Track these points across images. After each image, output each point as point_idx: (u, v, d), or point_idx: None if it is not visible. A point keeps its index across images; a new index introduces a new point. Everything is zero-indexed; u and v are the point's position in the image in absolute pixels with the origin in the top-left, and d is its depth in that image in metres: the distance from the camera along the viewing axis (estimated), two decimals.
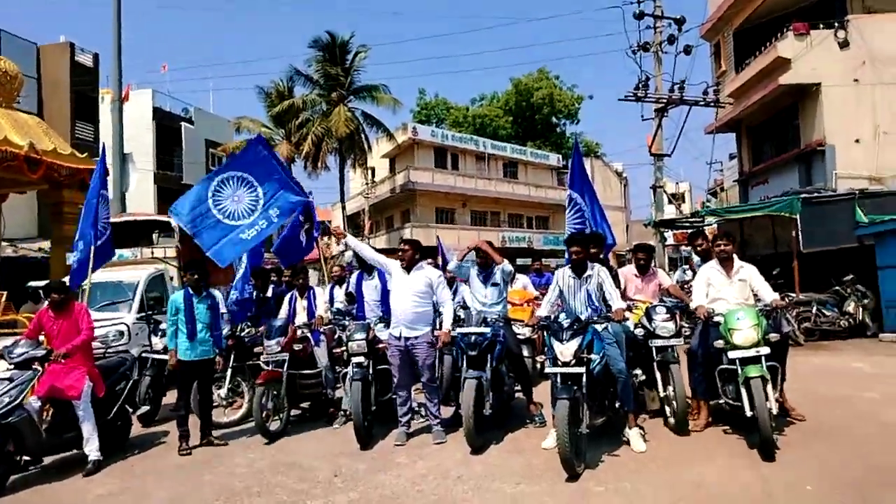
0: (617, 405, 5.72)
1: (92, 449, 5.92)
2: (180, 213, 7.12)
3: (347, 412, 6.96)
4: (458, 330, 6.12)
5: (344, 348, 6.73)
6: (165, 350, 7.59)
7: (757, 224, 15.54)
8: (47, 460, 6.07)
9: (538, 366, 8.17)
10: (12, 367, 5.76)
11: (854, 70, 15.88)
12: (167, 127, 34.07)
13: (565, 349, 5.21)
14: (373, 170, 38.12)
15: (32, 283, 13.46)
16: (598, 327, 5.60)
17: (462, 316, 6.36)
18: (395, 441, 6.12)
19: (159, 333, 7.78)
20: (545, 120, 47.31)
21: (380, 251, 7.36)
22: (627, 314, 6.14)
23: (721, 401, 5.74)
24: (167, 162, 33.83)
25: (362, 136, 32.86)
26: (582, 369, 5.17)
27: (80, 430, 5.93)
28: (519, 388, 6.74)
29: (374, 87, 32.76)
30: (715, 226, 16.25)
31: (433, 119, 47.77)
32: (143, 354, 7.60)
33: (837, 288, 12.33)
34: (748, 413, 5.10)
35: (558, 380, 5.27)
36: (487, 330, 6.00)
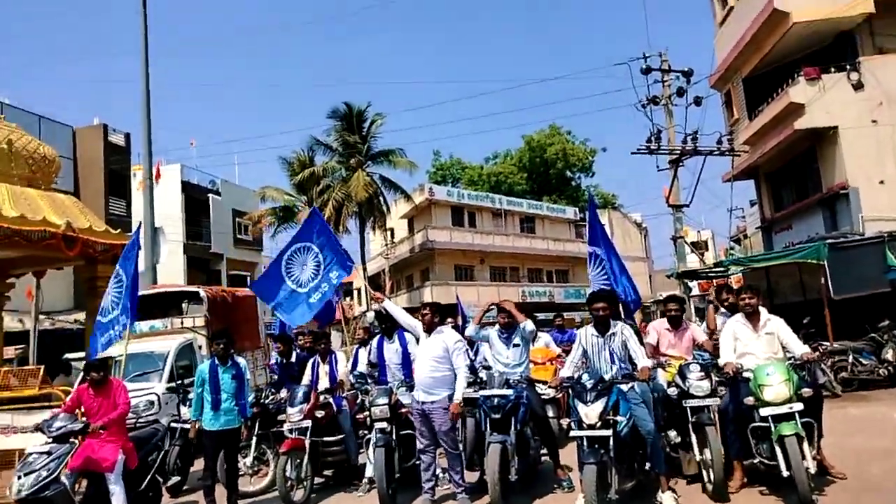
0: (647, 467, 5.59)
1: None
2: (260, 292, 8.26)
3: (371, 479, 6.91)
4: (481, 392, 6.08)
5: (367, 413, 6.73)
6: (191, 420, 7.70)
7: (783, 271, 15.34)
8: None
9: (564, 427, 8.03)
10: (50, 440, 5.85)
11: (871, 111, 15.90)
12: (195, 199, 35.06)
13: (590, 411, 5.15)
14: (392, 231, 38.62)
15: (69, 356, 13.75)
16: (624, 387, 5.52)
17: (484, 377, 6.30)
18: None
19: (188, 403, 7.83)
20: (559, 174, 47.81)
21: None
22: (660, 372, 6.07)
23: (755, 460, 5.53)
24: (196, 232, 34.66)
25: (381, 199, 33.51)
26: (608, 432, 5.09)
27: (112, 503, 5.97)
28: (545, 451, 6.62)
29: (391, 151, 33.58)
30: (740, 275, 16.07)
31: (449, 179, 48.52)
32: (173, 424, 7.63)
33: (873, 335, 11.96)
34: (784, 473, 4.94)
35: (584, 443, 5.18)
36: (510, 392, 5.95)
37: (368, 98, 56.69)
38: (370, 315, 26.15)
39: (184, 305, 13.49)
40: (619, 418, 5.23)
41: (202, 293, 11.38)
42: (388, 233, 36.37)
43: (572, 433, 5.33)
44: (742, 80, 19.78)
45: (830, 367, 11.26)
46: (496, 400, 5.90)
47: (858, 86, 16.09)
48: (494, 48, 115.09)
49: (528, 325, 6.53)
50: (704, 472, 5.81)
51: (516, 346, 6.51)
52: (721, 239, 54.64)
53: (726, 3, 19.96)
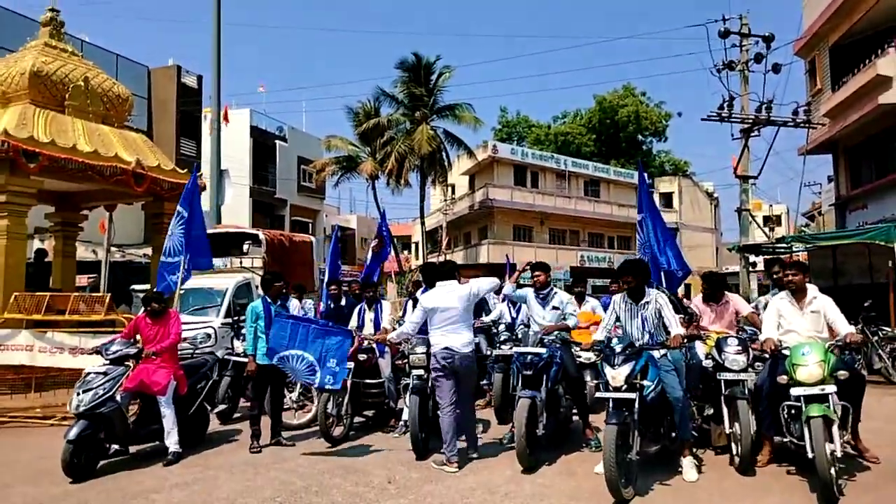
0: (673, 434, 5.65)
1: (172, 441, 6.41)
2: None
3: (407, 422, 7.23)
4: (515, 349, 6.24)
5: (406, 361, 6.99)
6: (246, 353, 8.14)
7: (851, 251, 14.72)
8: (132, 449, 6.62)
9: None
10: (107, 362, 6.34)
11: None
12: (263, 144, 35.93)
13: (617, 374, 5.23)
14: (452, 187, 38.71)
15: (134, 287, 14.57)
16: (657, 354, 5.56)
17: (519, 336, 6.44)
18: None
19: (241, 338, 8.28)
20: (630, 137, 46.60)
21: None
22: (699, 344, 6.06)
23: (786, 439, 5.48)
24: (262, 177, 35.62)
25: (443, 154, 33.55)
26: (633, 395, 5.15)
27: (163, 424, 6.45)
28: (576, 411, 6.74)
29: (457, 105, 33.43)
30: (805, 252, 15.53)
31: (514, 137, 47.99)
32: (226, 356, 8.10)
33: None
34: (810, 454, 4.91)
35: (610, 405, 5.28)
36: (544, 350, 6.07)
37: (436, 51, 56.24)
38: None
39: (245, 247, 14.05)
40: (645, 383, 5.29)
41: (261, 235, 11.84)
42: (449, 189, 36.47)
43: (598, 394, 5.42)
44: (829, 48, 18.71)
45: (889, 353, 10.89)
46: (529, 357, 6.04)
47: None
48: (569, 4, 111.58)
49: (563, 295, 6.75)
50: (733, 445, 5.82)
51: (555, 308, 6.60)
52: (795, 214, 52.61)
53: None
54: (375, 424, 7.70)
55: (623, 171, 41.82)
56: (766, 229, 22.00)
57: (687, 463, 5.51)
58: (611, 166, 41.93)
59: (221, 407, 7.78)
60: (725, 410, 5.82)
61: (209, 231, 13.61)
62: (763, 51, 14.80)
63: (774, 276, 6.58)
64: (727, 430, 5.80)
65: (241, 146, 33.91)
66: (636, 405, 5.17)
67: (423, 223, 33.88)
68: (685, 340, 5.73)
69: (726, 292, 6.76)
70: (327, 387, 6.49)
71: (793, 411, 5.34)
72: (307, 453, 6.59)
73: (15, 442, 7.44)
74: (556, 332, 6.37)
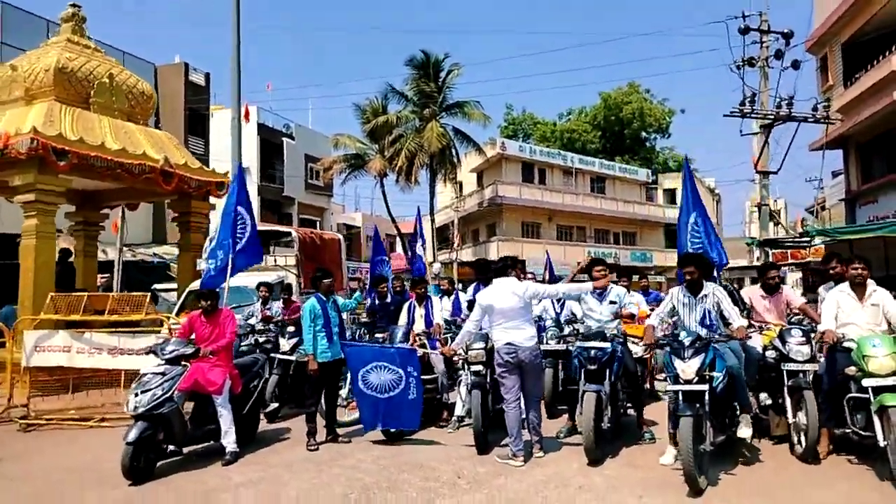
0: (738, 421, 5.73)
1: (230, 441, 6.42)
2: None
3: (462, 417, 7.29)
4: (578, 343, 6.28)
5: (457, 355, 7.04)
6: (291, 351, 8.19)
7: (867, 245, 14.77)
8: (185, 450, 6.59)
9: (647, 387, 8.20)
10: (164, 362, 6.34)
11: None
12: (270, 142, 35.94)
13: (688, 367, 5.30)
14: (460, 184, 38.73)
15: (157, 287, 14.59)
16: (719, 346, 5.64)
17: (581, 330, 6.49)
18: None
19: (286, 335, 8.31)
20: (635, 134, 46.68)
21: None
22: (755, 335, 6.12)
23: (846, 430, 5.54)
24: (269, 175, 35.65)
25: (453, 151, 33.52)
26: (705, 387, 5.23)
27: (218, 424, 6.46)
28: (630, 404, 6.79)
29: (466, 103, 33.38)
30: (822, 246, 15.59)
31: (520, 134, 48.02)
32: (272, 355, 8.12)
33: None
34: (881, 443, 4.97)
35: (680, 398, 5.33)
36: (608, 345, 6.13)
37: (444, 49, 56.28)
38: (437, 266, 26.53)
39: (269, 246, 14.08)
40: (715, 374, 5.35)
41: (294, 233, 11.87)
42: (457, 186, 36.49)
43: (669, 387, 5.48)
44: (841, 45, 18.79)
45: None
46: (593, 352, 6.09)
47: None
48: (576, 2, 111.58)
49: (621, 289, 6.83)
50: (794, 435, 5.90)
51: (612, 303, 6.65)
52: (794, 208, 52.77)
53: None
54: (428, 420, 7.72)
55: (628, 168, 41.92)
56: (775, 223, 22.01)
57: (744, 422, 5.68)
58: (616, 163, 42.01)
59: (273, 406, 7.81)
60: (788, 401, 5.89)
61: None
62: (782, 48, 14.85)
63: (832, 271, 6.64)
64: (790, 420, 5.88)
65: (248, 144, 33.76)
66: (706, 397, 5.24)
67: (433, 220, 33.86)
68: (754, 331, 5.80)
69: (781, 285, 6.84)
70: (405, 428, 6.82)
71: (856, 402, 5.42)
72: (366, 450, 6.63)
73: (58, 444, 7.34)
74: (613, 327, 6.43)
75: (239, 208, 8.40)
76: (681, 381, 5.31)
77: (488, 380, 6.63)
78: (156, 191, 11.93)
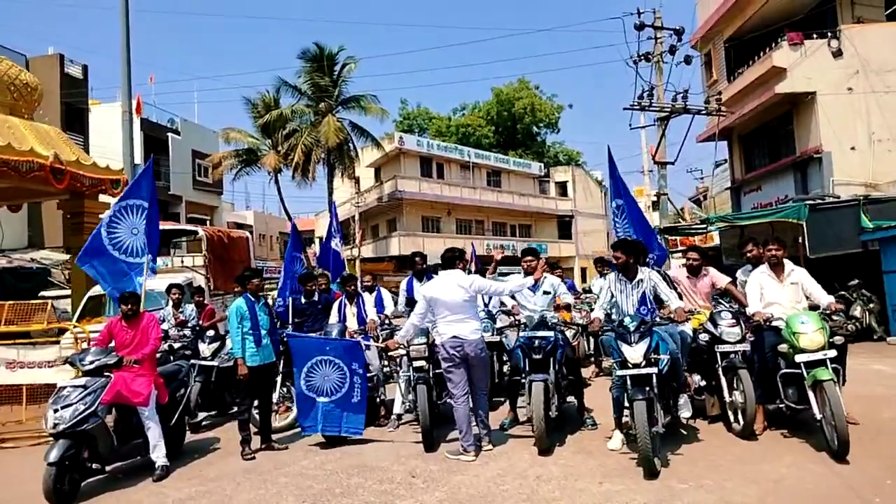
0: (681, 402, 5.91)
1: (159, 455, 5.95)
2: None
3: (401, 415, 7.12)
4: (522, 333, 6.25)
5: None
6: (212, 357, 7.70)
7: (756, 230, 15.87)
8: (108, 468, 6.04)
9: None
10: (83, 374, 5.77)
11: (848, 79, 16.43)
12: (154, 137, 33.85)
13: (635, 351, 5.38)
14: (357, 179, 38.26)
15: (44, 294, 13.35)
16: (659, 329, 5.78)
17: (524, 320, 6.47)
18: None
19: (206, 340, 7.80)
20: (526, 129, 47.89)
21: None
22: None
23: (780, 405, 5.79)
24: (154, 172, 33.43)
25: (351, 145, 33.01)
26: (654, 370, 5.34)
27: (145, 437, 5.96)
28: (570, 392, 6.85)
29: (363, 97, 32.99)
30: (716, 233, 16.63)
31: (415, 129, 48.02)
32: (192, 361, 7.59)
33: (843, 293, 12.63)
34: (818, 416, 5.25)
35: (629, 382, 5.41)
36: (551, 334, 6.14)
37: (336, 42, 55.21)
38: None
39: (170, 247, 13.22)
40: (661, 357, 5.48)
41: (201, 232, 11.18)
42: (356, 181, 35.97)
43: (618, 372, 5.54)
44: (724, 42, 20.06)
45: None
46: (537, 341, 6.08)
47: (838, 53, 16.55)
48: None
49: (554, 278, 6.91)
50: (730, 414, 6.13)
51: (546, 293, 6.68)
52: (676, 197, 56.10)
53: None
54: (366, 419, 7.47)
55: (522, 162, 42.96)
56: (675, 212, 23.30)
57: (684, 400, 5.96)
58: (510, 157, 42.92)
59: (202, 415, 7.29)
60: (724, 380, 6.12)
61: None
62: (676, 43, 15.62)
63: (749, 254, 6.95)
64: (727, 400, 6.11)
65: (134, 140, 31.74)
66: (654, 380, 5.36)
67: (332, 218, 33.11)
68: (688, 314, 5.98)
69: (706, 267, 7.12)
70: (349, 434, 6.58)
71: (788, 378, 5.71)
72: (308, 456, 6.32)
73: None
74: (555, 316, 6.47)
75: (136, 201, 7.64)
76: (629, 365, 5.38)
77: (430, 375, 6.49)
78: (45, 190, 10.92)
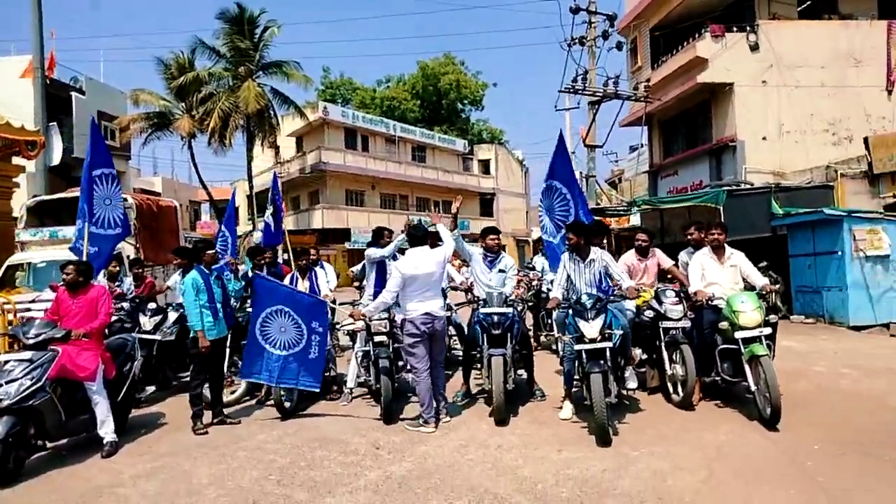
0: (626, 375, 6.27)
1: (108, 431, 5.76)
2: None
3: (352, 389, 7.17)
4: (482, 310, 6.41)
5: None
6: (154, 330, 7.46)
7: (674, 213, 16.78)
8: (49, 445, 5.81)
9: None
10: (26, 347, 5.48)
11: (762, 72, 17.46)
12: (55, 96, 31.40)
13: (591, 327, 5.67)
14: (277, 148, 37.30)
15: None
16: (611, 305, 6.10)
17: (483, 297, 6.62)
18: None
19: (148, 313, 7.54)
20: (451, 105, 48.04)
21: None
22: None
23: (716, 378, 6.25)
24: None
25: (272, 113, 32.08)
26: (609, 344, 5.64)
27: (92, 412, 5.75)
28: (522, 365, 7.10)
29: (285, 62, 32.08)
30: (638, 215, 17.40)
31: (338, 99, 47.19)
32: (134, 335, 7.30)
33: None
34: (752, 388, 5.72)
35: (584, 356, 5.69)
36: (510, 310, 6.35)
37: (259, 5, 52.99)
38: (257, 235, 25.40)
39: None
40: (614, 332, 5.79)
41: (130, 200, 10.63)
42: (276, 150, 35.03)
43: (576, 347, 5.79)
44: (649, 30, 20.79)
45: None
46: (496, 317, 6.27)
47: (755, 47, 17.54)
48: None
49: (508, 259, 7.03)
50: (670, 386, 6.58)
51: (501, 271, 6.87)
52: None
53: None
54: (316, 394, 7.46)
55: (447, 138, 43.13)
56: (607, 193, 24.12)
57: (630, 373, 6.34)
58: (435, 132, 42.95)
59: (150, 390, 7.06)
60: (666, 355, 6.54)
61: (58, 197, 11.99)
62: (609, 29, 16.10)
63: (689, 237, 7.38)
64: (668, 373, 6.54)
65: (28, 97, 29.54)
66: (607, 353, 5.66)
67: (251, 187, 32.24)
68: (638, 292, 6.32)
69: (652, 248, 7.51)
70: (303, 386, 6.56)
71: (724, 353, 6.17)
72: (264, 430, 6.27)
73: None
74: (517, 295, 6.67)
75: (101, 171, 7.29)
76: (586, 340, 5.66)
77: (390, 349, 6.57)
78: None
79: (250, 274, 8.00)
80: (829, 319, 12.48)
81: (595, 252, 6.34)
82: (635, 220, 18.60)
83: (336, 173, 34.41)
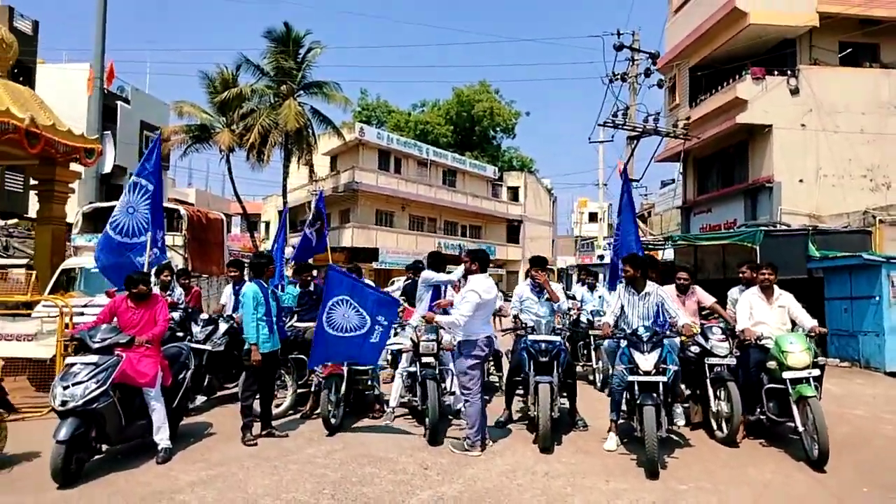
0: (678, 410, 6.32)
1: (163, 437, 5.93)
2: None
3: (395, 408, 7.28)
4: (531, 337, 6.52)
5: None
6: (205, 340, 7.65)
7: (709, 250, 16.78)
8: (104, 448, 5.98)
9: None
10: (93, 351, 5.67)
11: (802, 116, 17.49)
12: (103, 105, 32.43)
13: (647, 360, 5.74)
14: (311, 166, 37.88)
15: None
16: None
17: (531, 324, 6.72)
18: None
19: (200, 323, 7.74)
20: (484, 132, 48.49)
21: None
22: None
23: (761, 416, 6.28)
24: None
25: (310, 131, 32.65)
26: (663, 378, 5.71)
27: (149, 418, 5.92)
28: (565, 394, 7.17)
29: (326, 83, 32.71)
30: (671, 250, 17.41)
31: (373, 121, 47.87)
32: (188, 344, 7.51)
33: None
34: (800, 428, 5.74)
35: (636, 388, 5.77)
36: (558, 339, 6.46)
37: (305, 26, 54.07)
38: (288, 251, 25.73)
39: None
40: (669, 367, 5.86)
41: (183, 211, 10.96)
42: (309, 168, 35.59)
43: (628, 378, 5.86)
44: (689, 69, 20.93)
45: None
46: (544, 345, 6.38)
47: (795, 91, 17.59)
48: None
49: (563, 305, 7.16)
50: (713, 422, 6.60)
51: (548, 300, 6.99)
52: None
53: None
54: (358, 411, 7.59)
55: (478, 164, 43.48)
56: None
57: (678, 412, 6.43)
58: (467, 158, 43.34)
59: (200, 400, 7.25)
60: (711, 391, 6.57)
61: (113, 204, 12.35)
62: (651, 66, 16.24)
63: (742, 275, 7.46)
64: (713, 409, 6.56)
65: (78, 105, 30.45)
66: (660, 387, 5.73)
67: (285, 203, 32.68)
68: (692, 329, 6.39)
69: (692, 284, 7.58)
70: (362, 362, 6.83)
71: (771, 393, 6.19)
72: (312, 444, 6.40)
73: None
74: (565, 322, 6.78)
75: (138, 179, 7.54)
76: (640, 372, 5.73)
77: (437, 371, 6.69)
78: (14, 153, 10.47)
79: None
80: (865, 364, 12.34)
81: (651, 286, 6.42)
82: (668, 254, 18.63)
83: (368, 193, 34.84)
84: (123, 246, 7.41)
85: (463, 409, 6.27)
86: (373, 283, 8.30)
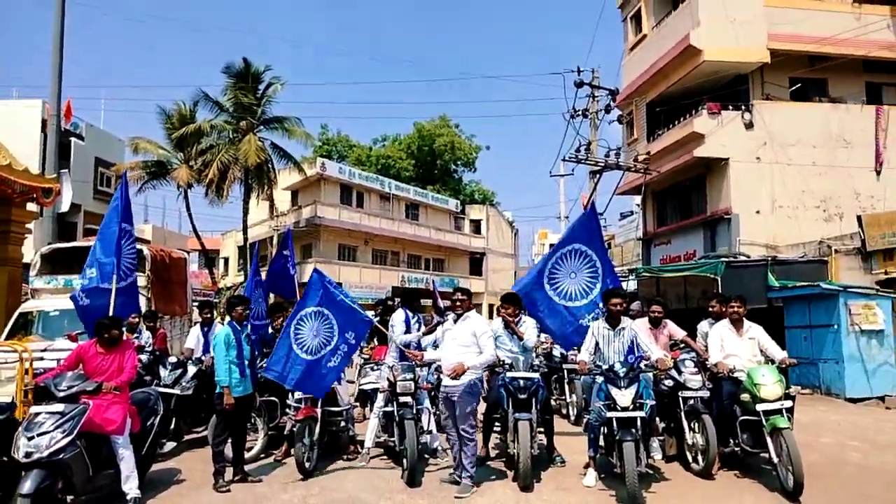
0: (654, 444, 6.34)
1: (132, 486, 5.69)
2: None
3: (369, 449, 7.15)
4: (508, 374, 6.50)
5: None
6: (173, 384, 7.43)
7: (671, 281, 17.11)
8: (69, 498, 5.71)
9: None
10: (58, 400, 5.44)
11: (756, 149, 18.10)
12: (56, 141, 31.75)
13: (624, 396, 5.77)
14: (272, 201, 37.56)
15: None
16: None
17: (509, 362, 6.70)
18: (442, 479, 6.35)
19: (168, 367, 7.52)
20: (445, 166, 48.86)
21: None
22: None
23: (735, 448, 6.36)
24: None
25: (270, 166, 32.44)
26: (642, 413, 5.74)
27: (117, 467, 5.69)
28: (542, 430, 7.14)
29: (287, 118, 32.59)
30: (634, 282, 17.70)
31: (335, 155, 47.82)
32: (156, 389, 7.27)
33: None
34: (774, 459, 5.82)
35: (615, 424, 5.78)
36: (536, 376, 6.46)
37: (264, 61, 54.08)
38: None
39: None
40: (646, 401, 5.90)
41: (146, 251, 10.71)
42: (270, 203, 35.28)
43: (606, 414, 5.87)
44: (646, 104, 21.55)
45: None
46: (522, 382, 6.36)
47: (749, 125, 18.23)
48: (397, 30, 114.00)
49: (529, 342, 6.93)
50: (689, 454, 6.64)
51: (520, 338, 6.98)
52: None
53: (640, 31, 21.62)
54: (333, 452, 7.42)
55: (440, 197, 43.73)
56: None
57: (654, 443, 6.34)
58: (429, 191, 43.58)
59: (169, 446, 6.99)
60: (686, 424, 6.63)
61: (72, 245, 12.02)
62: (611, 103, 16.69)
63: (710, 309, 7.60)
64: (688, 441, 6.61)
65: (29, 141, 29.77)
66: (638, 422, 5.75)
67: (245, 239, 32.32)
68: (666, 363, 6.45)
69: (664, 319, 7.68)
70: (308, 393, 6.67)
71: (745, 424, 6.28)
72: (287, 489, 6.22)
73: None
74: (540, 359, 6.79)
75: (125, 225, 7.42)
76: (618, 408, 5.76)
77: (415, 411, 6.60)
78: None
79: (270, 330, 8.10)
80: (826, 391, 12.64)
81: (626, 321, 6.48)
82: (632, 285, 18.91)
83: (330, 228, 34.65)
84: (117, 290, 7.24)
85: (464, 452, 6.08)
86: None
